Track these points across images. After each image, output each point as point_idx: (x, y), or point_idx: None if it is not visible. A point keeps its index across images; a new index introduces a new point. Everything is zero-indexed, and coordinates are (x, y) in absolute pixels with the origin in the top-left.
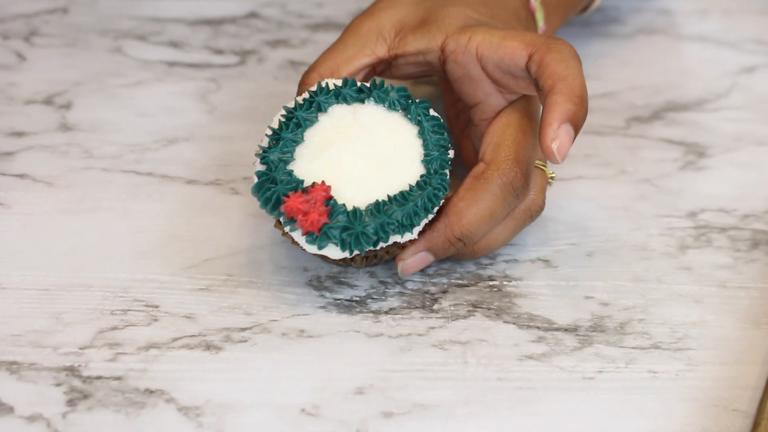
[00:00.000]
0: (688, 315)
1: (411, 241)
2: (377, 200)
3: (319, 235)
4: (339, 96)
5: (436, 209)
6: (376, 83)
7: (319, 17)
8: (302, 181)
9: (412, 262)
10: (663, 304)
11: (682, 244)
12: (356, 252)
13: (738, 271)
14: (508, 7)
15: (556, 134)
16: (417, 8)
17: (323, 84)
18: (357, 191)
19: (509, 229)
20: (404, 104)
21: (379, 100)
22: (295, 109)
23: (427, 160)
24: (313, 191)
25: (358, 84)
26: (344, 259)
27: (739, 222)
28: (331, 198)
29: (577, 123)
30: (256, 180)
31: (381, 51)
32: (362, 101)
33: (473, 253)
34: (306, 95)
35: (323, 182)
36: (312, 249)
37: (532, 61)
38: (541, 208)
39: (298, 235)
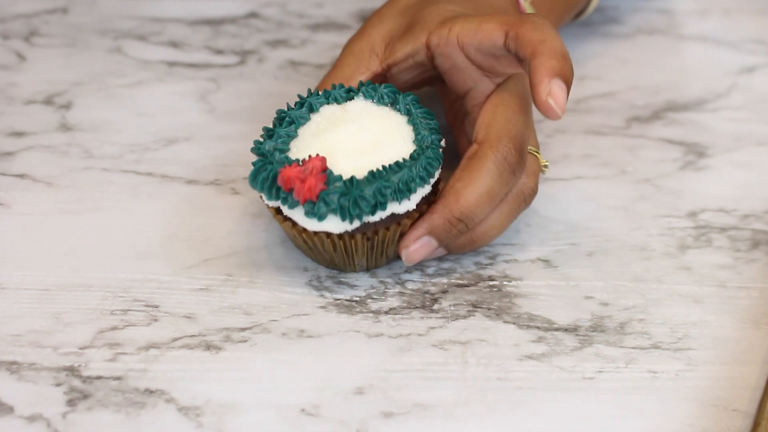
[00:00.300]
0: (688, 315)
1: (412, 226)
2: (373, 169)
3: (317, 203)
4: (329, 97)
5: (432, 180)
6: (363, 83)
7: (319, 17)
8: (298, 159)
9: (415, 248)
10: (663, 304)
11: (682, 244)
12: (356, 225)
13: (738, 271)
14: (494, 5)
15: (548, 89)
16: (403, 17)
17: (313, 91)
18: (352, 166)
19: (504, 214)
20: (392, 98)
21: (368, 96)
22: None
23: (419, 139)
24: (309, 162)
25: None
26: (346, 250)
27: (739, 222)
28: (326, 169)
29: (565, 77)
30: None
31: (374, 66)
32: (351, 98)
33: (472, 242)
34: (297, 99)
35: (318, 154)
36: (312, 223)
37: (509, 38)
38: (534, 192)
39: (297, 213)
